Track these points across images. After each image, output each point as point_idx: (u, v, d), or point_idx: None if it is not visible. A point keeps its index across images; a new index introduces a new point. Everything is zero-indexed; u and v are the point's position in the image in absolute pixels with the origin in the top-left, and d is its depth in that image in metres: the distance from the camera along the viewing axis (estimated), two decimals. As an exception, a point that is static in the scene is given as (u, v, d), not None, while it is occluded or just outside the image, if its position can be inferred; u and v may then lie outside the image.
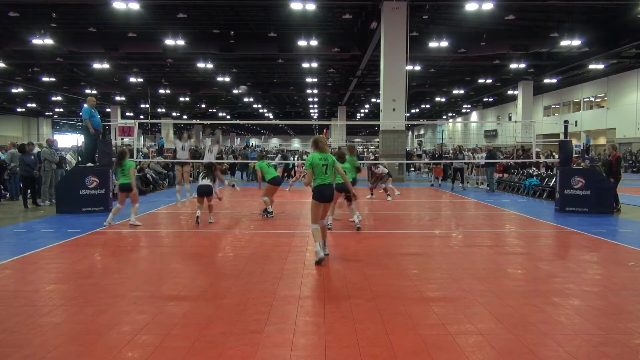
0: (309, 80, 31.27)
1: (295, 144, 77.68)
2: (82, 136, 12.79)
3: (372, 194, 13.65)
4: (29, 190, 12.07)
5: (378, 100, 23.81)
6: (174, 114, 50.17)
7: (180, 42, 19.65)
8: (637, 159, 29.85)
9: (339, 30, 21.95)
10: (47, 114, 52.84)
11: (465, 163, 18.09)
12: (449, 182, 17.98)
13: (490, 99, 43.71)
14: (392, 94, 17.34)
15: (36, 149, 12.93)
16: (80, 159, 12.45)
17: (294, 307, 4.40)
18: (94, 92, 31.95)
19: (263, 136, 71.72)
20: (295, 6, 16.32)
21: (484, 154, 17.47)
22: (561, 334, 3.82)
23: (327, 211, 6.42)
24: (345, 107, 44.00)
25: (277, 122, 59.53)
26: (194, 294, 4.84)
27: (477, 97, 41.65)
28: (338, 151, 9.32)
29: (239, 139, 75.62)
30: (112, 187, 11.47)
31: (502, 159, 19.30)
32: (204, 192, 9.07)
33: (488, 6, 16.00)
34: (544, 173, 15.78)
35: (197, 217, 9.04)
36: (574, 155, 13.79)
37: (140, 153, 22.23)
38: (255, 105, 46.32)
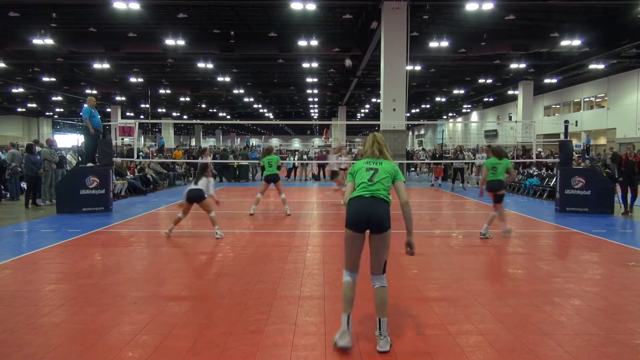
0: (309, 80, 31.25)
1: (296, 144, 77.72)
2: (83, 136, 12.80)
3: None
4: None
5: (378, 100, 23.79)
6: (174, 114, 50.16)
7: (181, 42, 19.64)
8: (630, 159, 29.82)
9: (339, 30, 21.92)
10: (47, 114, 52.79)
11: (465, 163, 18.10)
12: (449, 182, 17.98)
13: (491, 99, 43.68)
14: (392, 94, 17.33)
15: (37, 149, 12.94)
16: (80, 159, 12.46)
17: (294, 307, 4.40)
18: (94, 92, 31.91)
19: (263, 136, 71.74)
20: (296, 6, 16.31)
21: (485, 154, 17.47)
22: (561, 334, 3.82)
23: (380, 252, 3.63)
24: (346, 107, 43.96)
25: (277, 122, 59.50)
26: (194, 294, 4.84)
27: (477, 97, 41.61)
28: (496, 148, 8.20)
29: (239, 139, 75.66)
30: (112, 187, 11.47)
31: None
32: (194, 197, 7.62)
33: (488, 6, 15.98)
34: (544, 173, 15.78)
35: (169, 230, 7.88)
36: (574, 155, 13.79)
37: (141, 153, 22.24)
38: (255, 105, 46.31)
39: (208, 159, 14.40)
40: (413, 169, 27.51)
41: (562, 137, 13.44)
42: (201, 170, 7.92)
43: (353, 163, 3.95)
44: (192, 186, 7.72)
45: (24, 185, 12.65)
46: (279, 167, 10.51)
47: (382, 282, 3.59)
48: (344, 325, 3.47)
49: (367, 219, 3.46)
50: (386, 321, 3.49)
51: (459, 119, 58.17)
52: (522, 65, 25.95)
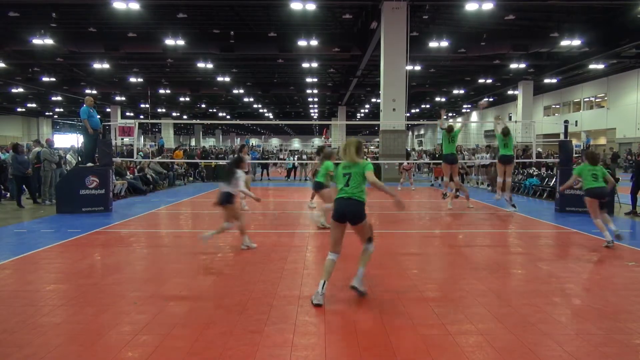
0: (309, 80, 31.26)
1: (295, 143, 77.70)
2: (82, 136, 12.81)
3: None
4: (26, 189, 12.10)
5: (378, 100, 23.80)
6: (174, 114, 50.18)
7: (180, 42, 19.66)
8: (637, 159, 29.84)
9: (339, 30, 21.94)
10: (47, 114, 52.84)
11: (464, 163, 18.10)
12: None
13: (491, 99, 43.70)
14: (392, 94, 17.34)
15: (37, 149, 12.94)
16: (80, 159, 12.46)
17: (294, 307, 4.40)
18: (94, 92, 31.95)
19: (263, 136, 71.75)
20: (295, 6, 16.32)
21: (485, 154, 17.47)
22: (561, 334, 3.82)
23: (361, 234, 4.63)
24: (346, 107, 43.99)
25: (277, 122, 59.54)
26: (194, 294, 4.84)
27: (477, 97, 41.58)
28: (590, 153, 7.90)
29: (239, 139, 75.69)
30: (112, 187, 11.47)
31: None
32: (220, 202, 6.61)
33: (488, 6, 16.00)
34: (544, 173, 15.77)
35: (205, 236, 6.70)
36: (574, 155, 13.78)
37: (141, 153, 22.26)
38: (255, 105, 46.32)
39: (247, 157, 11.55)
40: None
41: (562, 137, 13.46)
42: (233, 165, 6.79)
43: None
44: (221, 188, 6.74)
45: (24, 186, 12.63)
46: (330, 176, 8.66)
47: (368, 247, 4.70)
48: (320, 288, 4.46)
49: (344, 214, 4.52)
50: (363, 271, 4.64)
51: (459, 119, 58.19)
52: (522, 65, 25.97)
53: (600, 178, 7.28)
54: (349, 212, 4.50)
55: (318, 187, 8.35)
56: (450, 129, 10.70)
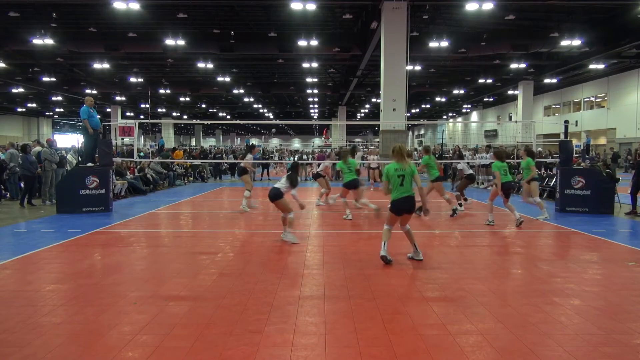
0: (309, 80, 31.24)
1: (296, 143, 77.71)
2: (82, 136, 12.81)
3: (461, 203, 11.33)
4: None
5: (378, 100, 23.80)
6: (174, 114, 50.19)
7: (181, 42, 19.65)
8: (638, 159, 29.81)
9: (339, 30, 21.93)
10: (47, 114, 52.84)
11: (467, 163, 18.07)
12: (449, 182, 17.97)
13: (491, 99, 43.69)
14: (392, 94, 17.32)
15: (37, 149, 12.93)
16: (80, 159, 12.46)
17: (294, 307, 4.40)
18: (94, 92, 31.93)
19: (263, 136, 71.78)
20: (296, 6, 16.31)
21: (485, 154, 17.45)
22: (561, 334, 3.82)
23: (406, 220, 6.08)
24: (346, 107, 43.95)
25: (277, 122, 59.53)
26: (194, 294, 4.84)
27: (477, 97, 41.62)
28: (499, 150, 9.44)
29: (239, 139, 75.71)
30: (112, 187, 11.47)
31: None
32: (270, 197, 7.34)
33: (488, 6, 15.99)
34: (544, 173, 15.77)
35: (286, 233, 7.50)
36: (574, 155, 13.77)
37: (141, 153, 22.28)
38: (255, 105, 46.32)
39: (249, 156, 11.92)
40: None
41: (562, 137, 13.46)
42: (292, 169, 7.70)
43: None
44: (276, 184, 7.47)
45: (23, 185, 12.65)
46: (358, 172, 10.26)
47: (408, 228, 6.16)
48: (382, 246, 5.99)
49: (403, 210, 5.95)
50: (416, 244, 6.19)
51: (459, 119, 58.19)
52: (522, 65, 25.95)
53: (508, 173, 8.78)
54: (407, 207, 5.92)
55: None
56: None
